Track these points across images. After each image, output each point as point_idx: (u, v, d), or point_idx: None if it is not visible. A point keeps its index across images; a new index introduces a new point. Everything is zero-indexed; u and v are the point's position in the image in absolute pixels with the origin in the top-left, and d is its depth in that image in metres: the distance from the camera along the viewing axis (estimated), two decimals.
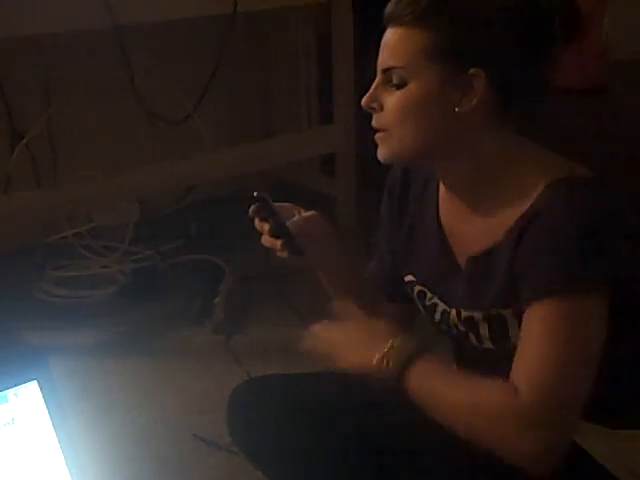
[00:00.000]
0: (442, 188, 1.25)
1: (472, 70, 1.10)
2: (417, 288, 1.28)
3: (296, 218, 1.24)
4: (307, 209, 1.29)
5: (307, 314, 2.04)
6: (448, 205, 1.24)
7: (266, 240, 1.22)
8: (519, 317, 1.12)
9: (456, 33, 1.09)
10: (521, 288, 1.10)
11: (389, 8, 1.14)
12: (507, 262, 1.12)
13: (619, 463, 1.18)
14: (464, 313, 1.20)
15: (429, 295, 1.26)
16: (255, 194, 1.20)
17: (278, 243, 1.21)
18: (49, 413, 1.04)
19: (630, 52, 2.97)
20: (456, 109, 1.11)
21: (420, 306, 1.29)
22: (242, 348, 2.28)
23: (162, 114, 2.70)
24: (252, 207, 1.21)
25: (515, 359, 1.08)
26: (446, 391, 1.09)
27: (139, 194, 2.73)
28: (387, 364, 1.09)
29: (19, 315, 2.38)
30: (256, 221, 1.22)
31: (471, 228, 1.19)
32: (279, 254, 1.22)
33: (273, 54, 3.19)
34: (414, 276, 1.29)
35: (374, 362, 1.10)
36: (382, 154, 1.18)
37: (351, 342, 1.15)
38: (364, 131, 1.22)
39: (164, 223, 2.93)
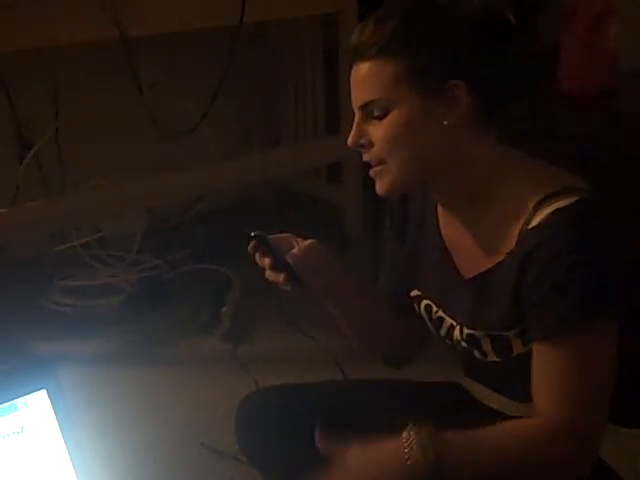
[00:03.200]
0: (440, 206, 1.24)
1: (451, 82, 1.10)
2: (424, 302, 1.28)
3: (295, 250, 1.22)
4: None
5: (309, 328, 2.06)
6: (447, 221, 1.23)
7: (269, 274, 1.21)
8: (521, 336, 1.13)
9: (425, 54, 1.09)
10: (529, 322, 1.11)
11: (352, 44, 1.14)
12: (511, 288, 1.11)
13: (623, 461, 1.19)
14: (466, 330, 1.20)
15: (435, 309, 1.27)
16: (252, 233, 1.19)
17: (280, 277, 1.20)
18: (58, 422, 1.05)
19: (634, 59, 2.97)
20: (444, 122, 1.11)
21: (427, 321, 1.29)
22: (249, 357, 2.28)
23: (170, 125, 2.72)
24: (250, 245, 1.20)
25: (534, 388, 1.10)
26: (483, 454, 1.08)
27: (147, 204, 2.74)
28: (417, 459, 1.04)
29: (27, 325, 2.39)
30: (256, 257, 1.21)
31: (472, 244, 1.19)
32: (283, 287, 1.21)
33: (280, 65, 3.20)
34: (420, 290, 1.29)
35: (407, 463, 1.04)
36: (381, 188, 1.17)
37: (371, 463, 1.07)
38: None
39: (171, 233, 2.94)
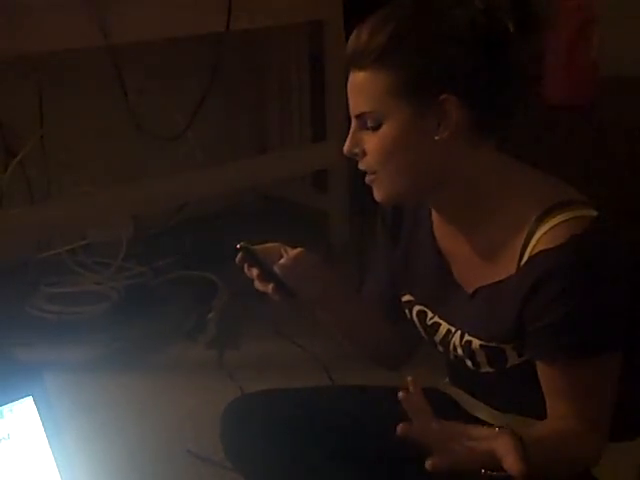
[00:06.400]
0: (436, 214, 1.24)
1: (442, 96, 1.09)
2: (416, 308, 1.28)
3: (283, 260, 1.22)
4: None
5: (296, 334, 2.06)
6: (443, 228, 1.23)
7: (257, 285, 1.21)
8: (517, 349, 1.14)
9: (417, 66, 1.09)
10: (532, 341, 1.12)
11: (348, 51, 1.13)
12: (519, 305, 1.11)
13: (612, 475, 1.21)
14: (466, 337, 1.19)
15: (430, 315, 1.26)
16: (238, 245, 1.20)
17: (269, 288, 1.20)
18: (44, 429, 1.05)
19: (616, 69, 2.99)
20: (436, 138, 1.10)
21: (419, 326, 1.28)
22: (235, 363, 2.28)
23: (156, 131, 2.72)
24: (237, 257, 1.20)
25: (549, 399, 1.13)
26: (552, 458, 1.09)
27: (132, 210, 2.74)
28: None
29: (13, 332, 2.37)
30: (245, 268, 1.21)
31: (470, 254, 1.19)
32: (272, 297, 1.21)
33: (266, 72, 3.21)
34: (412, 296, 1.29)
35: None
36: (378, 196, 1.17)
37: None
38: None
39: (157, 239, 2.94)
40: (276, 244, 1.26)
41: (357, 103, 1.13)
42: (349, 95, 1.15)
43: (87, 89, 2.73)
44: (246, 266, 1.21)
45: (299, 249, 1.25)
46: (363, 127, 1.13)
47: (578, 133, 2.69)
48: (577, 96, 2.84)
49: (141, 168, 2.85)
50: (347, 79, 1.15)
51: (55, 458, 1.06)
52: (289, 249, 1.25)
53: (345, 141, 1.17)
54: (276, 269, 1.21)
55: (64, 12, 2.26)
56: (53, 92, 2.69)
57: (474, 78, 1.10)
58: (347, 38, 1.17)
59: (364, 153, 1.14)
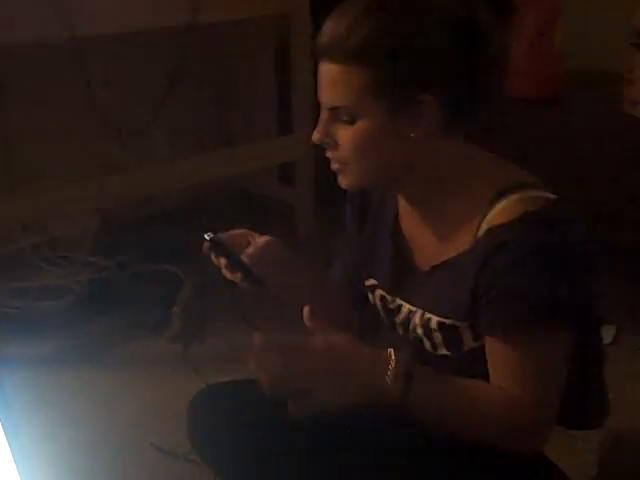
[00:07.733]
0: (401, 198, 1.26)
1: (420, 96, 1.09)
2: (378, 292, 1.30)
3: (251, 249, 1.23)
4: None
5: (262, 324, 2.05)
6: (408, 214, 1.25)
7: (226, 274, 1.22)
8: (472, 329, 1.15)
9: (396, 65, 1.08)
10: (482, 316, 1.13)
11: (320, 41, 1.11)
12: (471, 279, 1.12)
13: (572, 463, 1.22)
14: (426, 315, 1.21)
15: (390, 298, 1.28)
16: (206, 236, 1.20)
17: (238, 277, 1.21)
18: (2, 425, 1.04)
19: (581, 61, 3.02)
20: (412, 135, 1.11)
21: (381, 309, 1.30)
22: (200, 357, 2.27)
23: (121, 124, 2.70)
24: (204, 246, 1.21)
25: (493, 373, 1.13)
26: (453, 404, 1.11)
27: (97, 204, 2.72)
28: (394, 385, 1.07)
29: None
30: (212, 257, 1.22)
31: (433, 236, 1.21)
32: (241, 285, 1.22)
33: (232, 65, 3.20)
34: (375, 280, 1.30)
35: (384, 386, 1.07)
36: (344, 183, 1.18)
37: (334, 370, 1.07)
38: None
39: (122, 233, 2.92)
40: (244, 230, 1.27)
41: (331, 96, 1.12)
42: (322, 86, 1.13)
43: (51, 82, 2.69)
44: (213, 256, 1.22)
45: (266, 237, 1.25)
46: (336, 119, 1.13)
47: (542, 126, 2.71)
48: (541, 89, 2.85)
49: (106, 161, 2.83)
50: (315, 71, 1.15)
51: (13, 455, 1.05)
52: (256, 236, 1.26)
53: (312, 134, 1.16)
54: (244, 258, 1.21)
55: (26, 4, 2.23)
56: (16, 84, 2.66)
57: (451, 77, 1.10)
58: (314, 31, 1.15)
59: (336, 144, 1.14)
